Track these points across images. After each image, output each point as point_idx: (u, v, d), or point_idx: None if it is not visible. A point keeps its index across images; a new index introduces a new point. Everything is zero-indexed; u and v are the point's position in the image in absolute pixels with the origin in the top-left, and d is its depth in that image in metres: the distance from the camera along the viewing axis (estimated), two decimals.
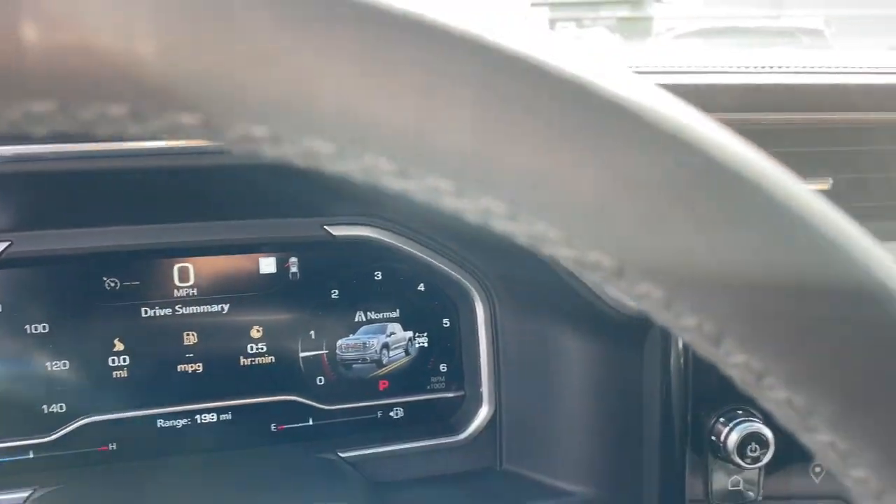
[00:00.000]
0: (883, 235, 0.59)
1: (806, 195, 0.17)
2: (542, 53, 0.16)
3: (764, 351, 0.17)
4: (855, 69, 0.55)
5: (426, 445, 0.56)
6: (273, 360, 0.55)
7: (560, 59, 0.16)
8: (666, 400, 0.50)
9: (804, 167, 0.54)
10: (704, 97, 0.49)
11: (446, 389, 0.59)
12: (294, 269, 0.55)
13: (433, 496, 0.55)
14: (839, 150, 0.55)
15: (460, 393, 0.59)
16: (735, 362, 0.18)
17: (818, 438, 0.18)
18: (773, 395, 0.18)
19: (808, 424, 0.18)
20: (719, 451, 0.47)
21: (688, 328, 0.18)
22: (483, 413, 0.57)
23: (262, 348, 0.55)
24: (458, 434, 0.56)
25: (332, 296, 0.56)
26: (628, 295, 0.18)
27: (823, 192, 0.53)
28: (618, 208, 0.16)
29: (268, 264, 0.55)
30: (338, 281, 0.56)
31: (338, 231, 0.53)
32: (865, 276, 0.17)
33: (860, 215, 0.56)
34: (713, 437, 0.47)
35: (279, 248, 0.54)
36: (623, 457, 0.53)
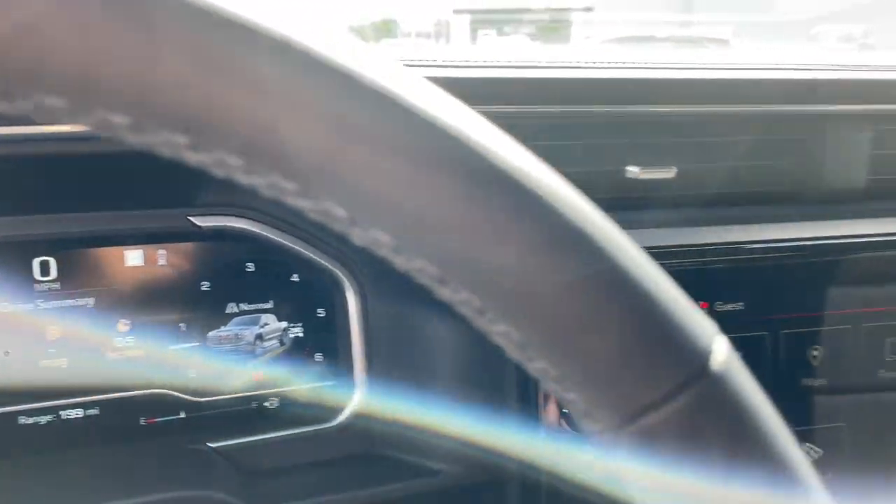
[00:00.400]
0: (725, 221, 0.63)
1: (522, 166, 0.19)
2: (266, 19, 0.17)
3: (479, 289, 0.19)
4: (698, 65, 0.59)
5: (300, 433, 0.57)
6: (142, 354, 0.55)
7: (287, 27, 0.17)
8: (522, 380, 0.53)
9: (650, 156, 0.58)
10: (540, 88, 0.52)
11: (321, 378, 0.60)
12: (162, 261, 0.55)
13: (306, 482, 0.55)
14: (683, 140, 0.59)
15: (335, 381, 0.60)
16: (460, 300, 0.20)
17: (536, 366, 0.20)
18: (496, 329, 0.20)
19: (526, 354, 0.20)
20: (573, 424, 0.50)
21: (417, 271, 0.19)
22: (356, 400, 0.58)
23: (129, 342, 0.55)
24: (331, 421, 0.58)
25: (203, 288, 0.56)
26: (365, 243, 0.19)
27: (668, 179, 0.57)
28: (338, 159, 0.17)
29: (134, 257, 0.55)
30: (208, 273, 0.56)
31: (203, 222, 0.54)
32: (549, 224, 0.18)
33: (705, 203, 0.61)
34: (565, 411, 0.50)
35: (145, 240, 0.54)
36: None
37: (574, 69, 0.56)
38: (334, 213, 0.18)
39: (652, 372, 0.19)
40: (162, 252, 0.55)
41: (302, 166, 0.18)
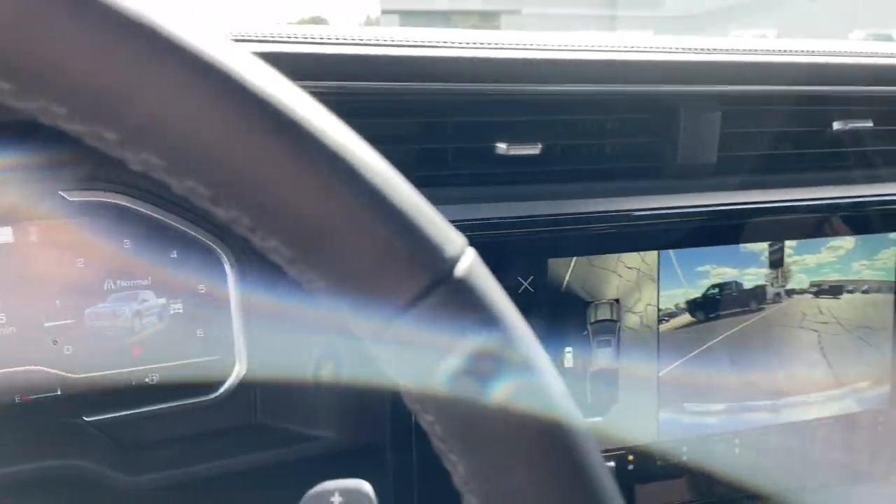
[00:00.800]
0: (589, 195, 0.67)
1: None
2: None
3: (248, 209, 0.21)
4: (562, 47, 0.63)
5: (179, 405, 0.58)
6: (15, 331, 0.55)
7: None
8: None
9: (516, 134, 0.61)
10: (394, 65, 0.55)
11: (203, 353, 0.60)
12: (34, 237, 0.55)
13: (185, 452, 0.56)
14: (548, 118, 0.62)
15: (217, 356, 0.61)
16: (230, 218, 0.22)
17: (305, 279, 0.22)
18: (266, 245, 0.22)
19: (296, 268, 0.22)
20: None
21: (189, 191, 0.21)
22: (236, 372, 0.59)
23: (2, 319, 0.55)
24: (211, 393, 0.59)
25: (78, 264, 0.57)
26: (136, 166, 0.21)
27: (533, 155, 0.61)
28: (97, 78, 0.19)
29: (4, 234, 0.54)
30: (83, 249, 0.57)
31: (74, 197, 0.54)
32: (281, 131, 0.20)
33: (571, 178, 0.64)
34: None
35: (15, 217, 0.54)
36: (362, 404, 0.57)
37: (443, 48, 0.59)
38: (107, 136, 0.20)
39: (403, 276, 0.21)
40: (33, 228, 0.55)
41: (71, 90, 0.19)
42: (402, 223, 0.21)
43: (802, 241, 0.63)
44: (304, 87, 0.61)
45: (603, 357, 0.58)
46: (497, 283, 0.23)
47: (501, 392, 0.22)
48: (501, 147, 0.60)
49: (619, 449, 0.60)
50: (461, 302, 0.22)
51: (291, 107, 0.20)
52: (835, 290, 0.63)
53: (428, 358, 0.22)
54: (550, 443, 0.22)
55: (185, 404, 0.58)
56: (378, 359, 0.23)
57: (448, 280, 0.22)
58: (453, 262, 0.22)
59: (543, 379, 0.22)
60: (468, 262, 0.22)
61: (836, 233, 0.64)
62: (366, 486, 0.26)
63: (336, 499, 0.27)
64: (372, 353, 0.23)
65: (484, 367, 0.22)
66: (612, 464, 0.60)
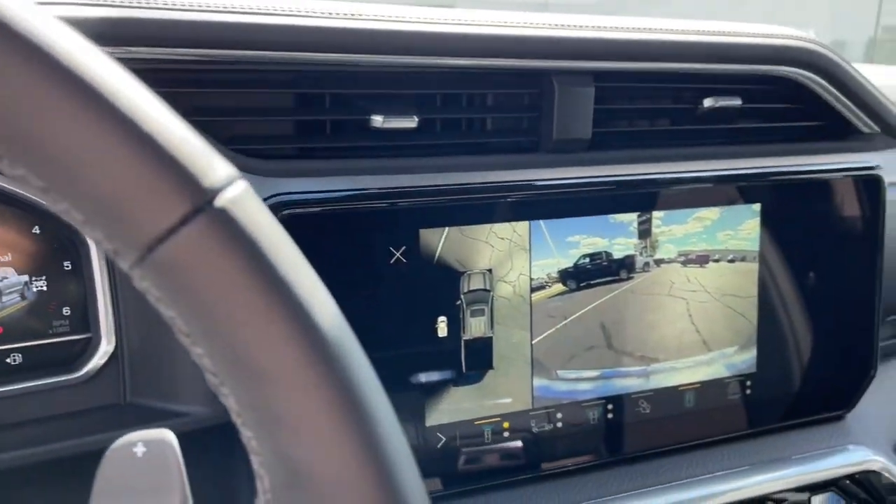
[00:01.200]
0: (469, 168, 0.67)
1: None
2: None
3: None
4: (441, 20, 0.63)
5: (41, 385, 0.56)
6: None
7: None
8: None
9: (392, 106, 0.61)
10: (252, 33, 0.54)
11: (71, 332, 0.59)
12: None
13: (50, 431, 0.55)
14: (423, 92, 0.63)
15: (86, 335, 0.59)
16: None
17: (60, 208, 0.22)
18: (14, 173, 0.21)
19: (50, 198, 0.22)
20: None
21: None
22: (102, 350, 0.57)
23: None
24: (76, 372, 0.57)
25: None
26: None
27: (410, 129, 0.61)
28: None
29: None
30: None
31: None
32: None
33: (449, 152, 0.64)
34: None
35: None
36: None
37: (316, 19, 0.58)
38: None
39: (155, 206, 0.21)
40: None
41: None
42: (156, 152, 0.21)
43: (670, 211, 0.65)
44: (169, 55, 0.59)
45: (477, 326, 0.59)
46: (270, 214, 0.23)
47: (266, 320, 0.22)
48: (377, 120, 0.60)
49: (494, 416, 0.61)
50: (223, 231, 0.22)
51: (37, 35, 0.20)
52: (701, 260, 0.66)
53: (189, 287, 0.22)
54: (316, 366, 0.22)
55: (48, 383, 0.56)
56: (142, 290, 0.23)
57: (208, 209, 0.22)
58: (214, 192, 0.22)
59: (310, 308, 0.23)
60: (234, 193, 0.22)
61: (702, 204, 0.66)
62: (169, 435, 0.26)
63: (139, 449, 0.26)
64: (136, 286, 0.23)
65: (246, 296, 0.22)
66: (489, 431, 0.61)
